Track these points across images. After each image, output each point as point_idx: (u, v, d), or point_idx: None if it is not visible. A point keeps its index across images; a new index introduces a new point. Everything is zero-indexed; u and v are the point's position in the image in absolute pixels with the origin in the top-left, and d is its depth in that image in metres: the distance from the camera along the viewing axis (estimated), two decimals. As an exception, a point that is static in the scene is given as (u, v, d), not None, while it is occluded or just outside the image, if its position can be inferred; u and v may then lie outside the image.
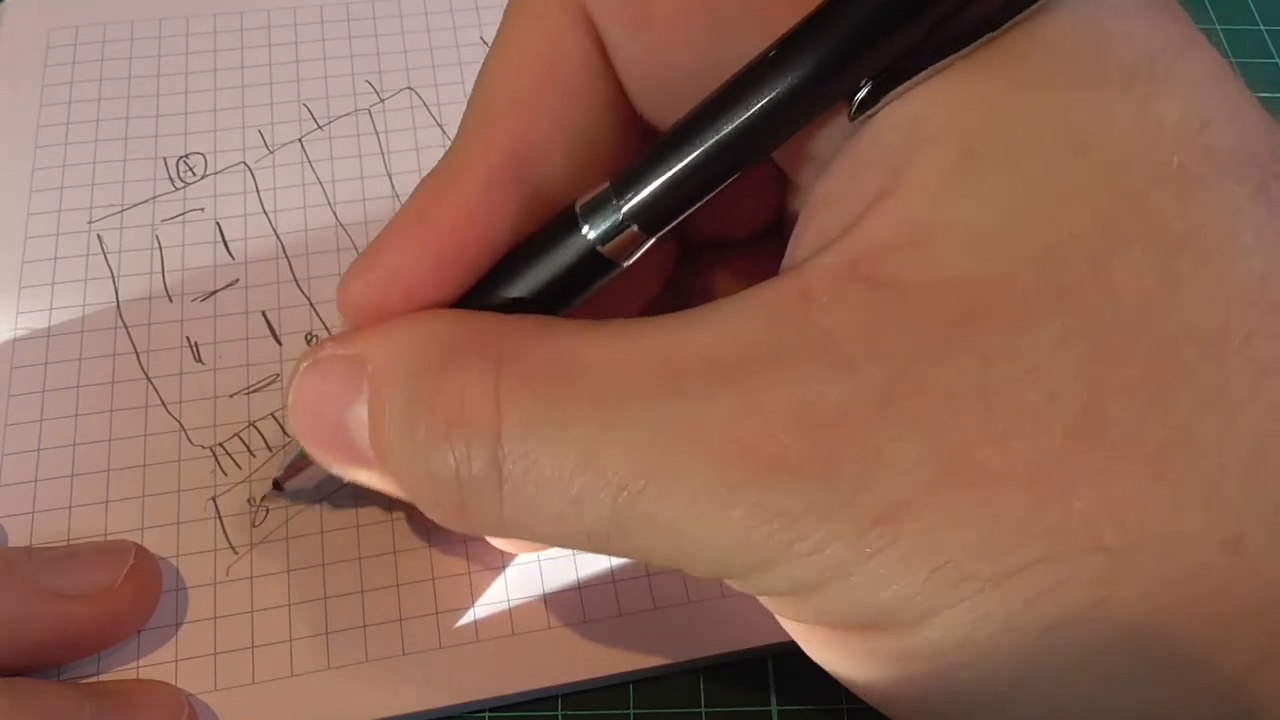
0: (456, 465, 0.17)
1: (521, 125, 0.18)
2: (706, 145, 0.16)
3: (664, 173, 0.17)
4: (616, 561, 0.26)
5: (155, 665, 0.24)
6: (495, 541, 0.25)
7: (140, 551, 0.24)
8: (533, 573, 0.26)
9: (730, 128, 0.16)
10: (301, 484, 0.25)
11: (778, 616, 0.18)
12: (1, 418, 0.27)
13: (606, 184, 0.17)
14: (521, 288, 0.18)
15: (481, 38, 0.35)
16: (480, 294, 0.19)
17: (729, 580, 0.17)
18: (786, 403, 0.15)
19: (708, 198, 0.17)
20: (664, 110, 0.18)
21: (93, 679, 0.24)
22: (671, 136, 0.17)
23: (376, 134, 0.33)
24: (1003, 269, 0.15)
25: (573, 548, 0.18)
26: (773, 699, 0.25)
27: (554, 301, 0.18)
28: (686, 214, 0.17)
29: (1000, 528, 0.14)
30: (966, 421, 0.14)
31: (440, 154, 0.32)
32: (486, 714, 0.24)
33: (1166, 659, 0.14)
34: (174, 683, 0.24)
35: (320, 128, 0.33)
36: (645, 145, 0.18)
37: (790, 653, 0.25)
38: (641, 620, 0.25)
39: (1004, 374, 0.14)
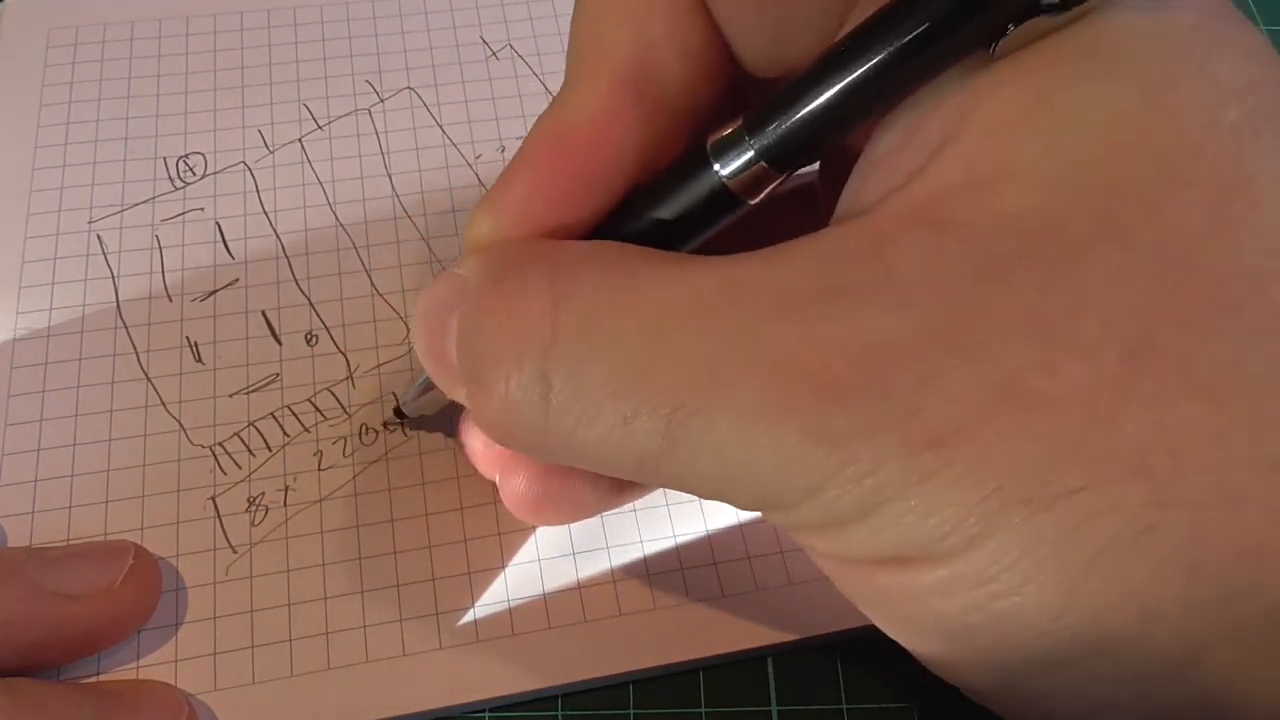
0: (506, 375, 0.17)
1: (636, 39, 0.18)
2: (849, 81, 0.16)
3: (799, 111, 0.17)
4: (616, 561, 0.26)
5: (155, 665, 0.24)
6: (515, 495, 0.24)
7: (140, 551, 0.24)
8: (533, 573, 0.26)
9: (869, 67, 0.16)
10: (424, 410, 0.25)
11: (816, 556, 0.18)
12: (1, 418, 0.27)
13: (739, 121, 0.17)
14: (647, 224, 0.18)
15: (481, 37, 0.35)
16: (605, 230, 0.19)
17: (771, 512, 0.17)
18: (845, 334, 0.15)
19: (844, 136, 0.17)
20: (752, 48, 0.19)
21: (93, 679, 0.24)
22: (812, 72, 0.17)
23: (376, 134, 0.33)
24: (1062, 208, 0.15)
25: (615, 473, 0.18)
26: (773, 699, 0.25)
27: (676, 239, 0.18)
28: (820, 152, 0.17)
29: (1052, 452, 0.14)
30: (1021, 350, 0.15)
31: (440, 154, 0.33)
32: (486, 714, 0.24)
33: (1214, 585, 0.14)
34: (174, 683, 0.24)
35: (320, 128, 0.33)
36: (735, 88, 0.19)
37: (790, 652, 0.25)
38: (641, 620, 0.25)
39: (1059, 305, 0.15)
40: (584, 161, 0.18)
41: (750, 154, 0.17)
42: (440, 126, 0.33)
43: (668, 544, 0.26)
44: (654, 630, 0.25)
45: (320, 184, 0.31)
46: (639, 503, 0.26)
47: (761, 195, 0.18)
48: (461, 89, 0.34)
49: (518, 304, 0.17)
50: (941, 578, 0.15)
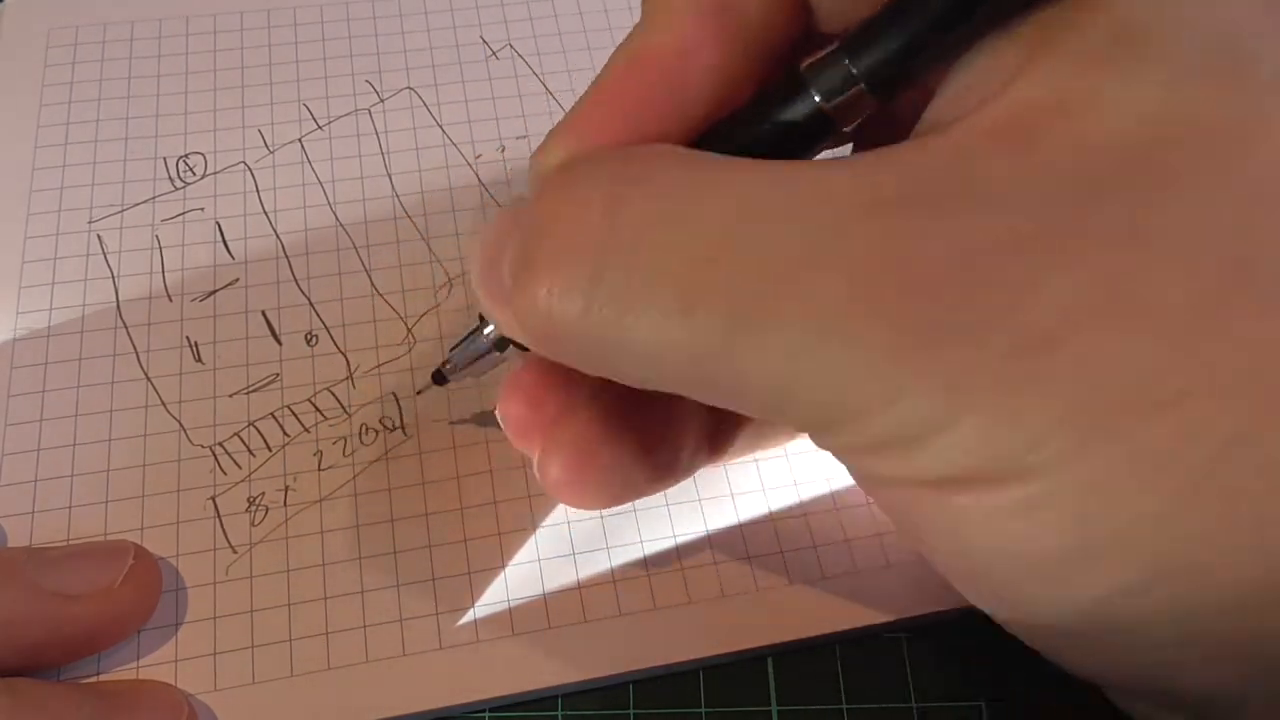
0: (553, 258, 0.16)
1: None
2: (945, 7, 0.16)
3: (902, 34, 0.16)
4: (616, 561, 0.26)
5: (155, 665, 0.24)
6: (557, 471, 0.22)
7: (140, 551, 0.24)
8: (533, 573, 0.26)
9: None
10: (472, 373, 0.24)
11: (874, 485, 0.17)
12: (1, 418, 0.27)
13: (836, 44, 0.17)
14: (735, 150, 0.18)
15: (481, 37, 0.35)
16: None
17: (832, 430, 0.16)
18: (933, 232, 0.15)
19: (949, 59, 0.17)
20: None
21: (93, 679, 0.24)
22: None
23: (376, 134, 0.33)
24: (1152, 135, 0.15)
25: (664, 377, 0.16)
26: (773, 699, 0.25)
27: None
28: (918, 79, 0.17)
29: (1153, 361, 0.14)
30: (1120, 258, 0.14)
31: (440, 154, 0.33)
32: (486, 714, 0.24)
33: None
34: (174, 683, 0.24)
35: (320, 128, 0.33)
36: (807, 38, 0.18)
37: (790, 652, 0.25)
38: (641, 620, 0.25)
39: (1157, 221, 0.14)
40: (664, 87, 0.17)
41: (848, 77, 0.17)
42: (440, 126, 0.33)
43: (668, 544, 0.26)
44: (654, 630, 0.25)
45: (320, 184, 0.31)
46: (639, 503, 0.26)
47: (858, 121, 0.17)
48: (461, 89, 0.34)
49: (572, 193, 0.16)
50: (1027, 495, 0.14)
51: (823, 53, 0.17)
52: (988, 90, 0.16)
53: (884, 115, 0.18)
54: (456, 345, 0.23)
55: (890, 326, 0.14)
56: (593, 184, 0.16)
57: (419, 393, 0.27)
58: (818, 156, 0.18)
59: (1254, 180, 0.15)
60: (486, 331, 0.23)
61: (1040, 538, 0.15)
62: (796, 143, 0.18)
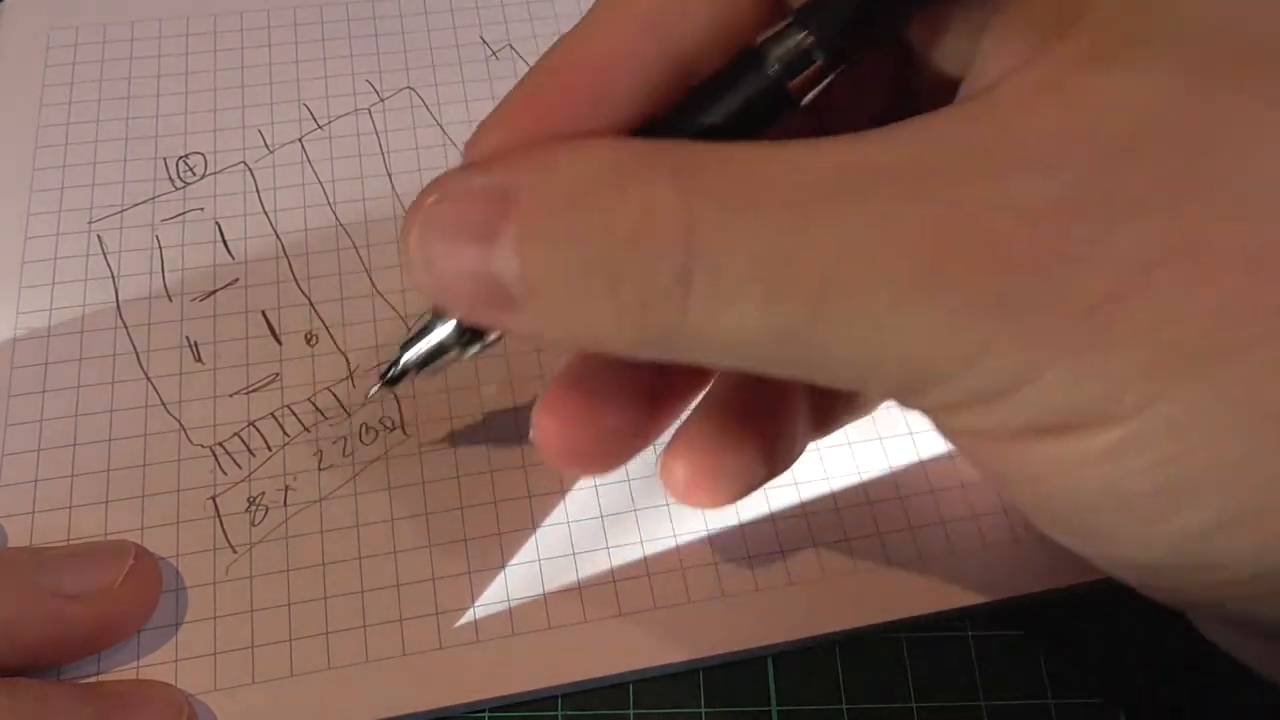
0: (644, 264, 0.16)
1: None
2: None
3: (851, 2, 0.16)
4: (616, 561, 0.26)
5: (155, 665, 0.24)
6: (684, 492, 0.22)
7: (140, 551, 0.24)
8: (533, 573, 0.26)
9: None
10: (426, 371, 0.21)
11: (960, 436, 0.17)
12: (1, 418, 0.27)
13: (790, 18, 0.17)
14: (695, 127, 0.18)
15: (481, 37, 0.35)
16: (648, 134, 0.18)
17: (917, 393, 0.16)
18: (994, 197, 0.15)
19: (899, 29, 0.17)
20: None
21: (93, 679, 0.24)
22: None
23: (376, 134, 0.33)
24: (1200, 85, 0.15)
25: (751, 360, 0.17)
26: (773, 699, 0.25)
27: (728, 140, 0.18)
28: (875, 46, 0.17)
29: (1227, 304, 0.14)
30: (1184, 206, 0.14)
31: (440, 154, 0.33)
32: (486, 714, 0.24)
33: None
34: (174, 683, 0.24)
35: (320, 127, 0.33)
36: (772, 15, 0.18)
37: (790, 653, 0.25)
38: (641, 620, 0.25)
39: (1216, 168, 0.14)
40: (598, 83, 0.18)
41: (804, 45, 0.17)
42: (440, 126, 0.33)
43: (668, 544, 0.26)
44: (654, 630, 0.25)
45: (320, 184, 0.31)
46: (639, 502, 0.26)
47: (815, 91, 0.17)
48: (461, 89, 0.34)
49: (647, 196, 0.16)
50: (1109, 441, 0.15)
51: (778, 26, 0.17)
52: (1028, 51, 0.16)
53: (903, 90, 0.19)
54: (409, 340, 0.21)
55: (965, 293, 0.15)
56: (660, 183, 0.16)
57: (368, 396, 0.26)
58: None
59: None
60: (441, 328, 0.21)
61: (1125, 481, 0.15)
62: (760, 116, 0.18)
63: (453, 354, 0.21)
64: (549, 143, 0.17)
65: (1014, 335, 0.15)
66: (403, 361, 0.21)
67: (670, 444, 0.21)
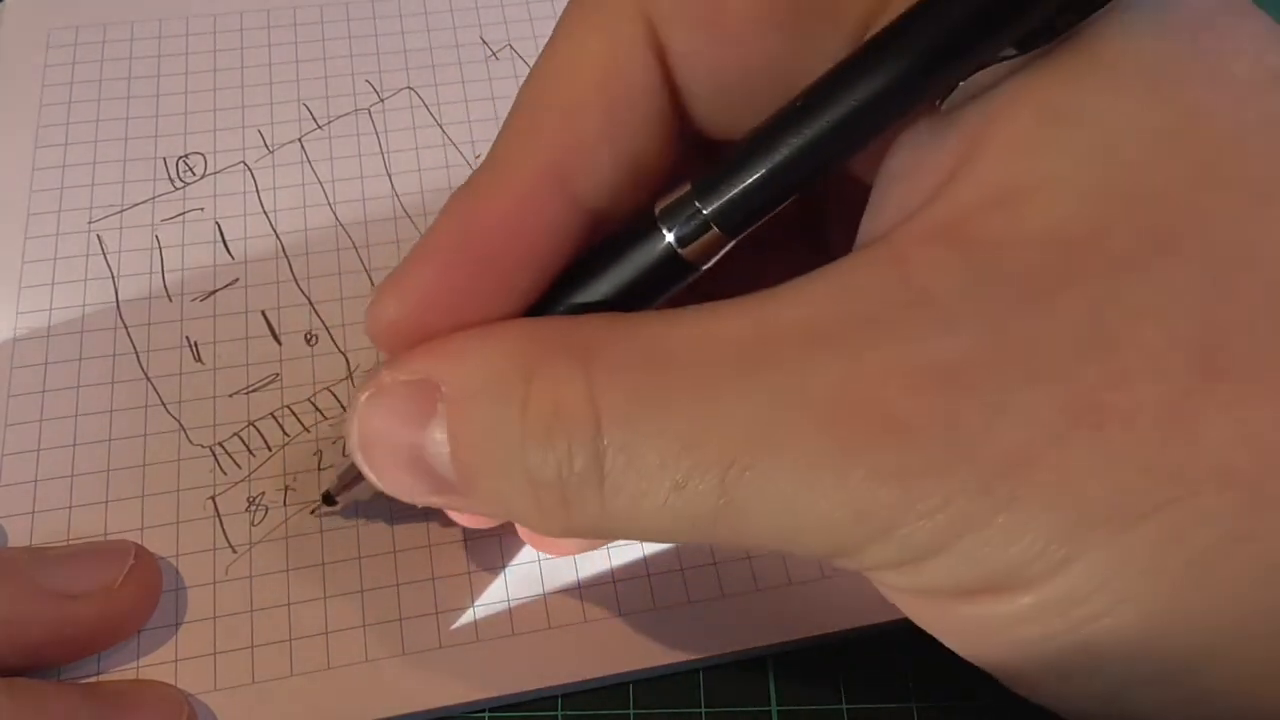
0: (559, 464, 0.16)
1: (570, 135, 0.18)
2: (795, 146, 0.16)
3: (750, 174, 0.16)
4: (616, 561, 0.26)
5: (155, 665, 0.24)
6: (536, 541, 0.24)
7: (140, 551, 0.24)
8: (533, 573, 0.26)
9: (820, 129, 0.16)
10: (357, 496, 0.25)
11: (890, 593, 0.18)
12: (1, 418, 0.27)
13: (686, 187, 0.17)
14: (595, 294, 0.18)
15: (481, 38, 0.35)
16: (552, 302, 0.18)
17: (840, 558, 0.16)
18: (894, 362, 0.15)
19: (791, 199, 0.17)
20: (724, 115, 0.18)
21: (93, 679, 0.24)
22: (757, 137, 0.16)
23: (376, 134, 0.33)
24: (1099, 219, 0.15)
25: (675, 540, 0.17)
26: (773, 699, 0.25)
27: (628, 307, 0.18)
28: (770, 215, 0.17)
29: (1133, 468, 0.14)
30: (1084, 366, 0.14)
31: (440, 154, 0.33)
32: (486, 714, 0.24)
33: None
34: (174, 683, 0.24)
35: (320, 128, 0.33)
36: (693, 157, 0.18)
37: (790, 653, 0.25)
38: (641, 620, 0.25)
39: (1116, 318, 0.14)
40: (496, 250, 0.17)
41: (700, 220, 0.17)
42: (440, 126, 0.33)
43: (668, 544, 0.26)
44: (653, 630, 0.25)
45: (320, 184, 0.31)
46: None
47: (714, 259, 0.17)
48: (461, 89, 0.34)
49: (556, 396, 0.16)
50: (1028, 605, 0.15)
51: (676, 193, 0.17)
52: (925, 191, 0.16)
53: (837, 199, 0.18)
54: (343, 475, 0.24)
55: (870, 470, 0.15)
56: (565, 376, 0.16)
57: (313, 513, 0.26)
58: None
59: (1209, 251, 0.14)
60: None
61: (1042, 643, 0.15)
62: (658, 284, 0.18)
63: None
64: (459, 334, 0.18)
65: (921, 507, 0.15)
66: (335, 490, 0.25)
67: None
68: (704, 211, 0.17)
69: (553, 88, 0.18)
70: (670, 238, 0.17)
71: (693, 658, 0.25)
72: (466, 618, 0.25)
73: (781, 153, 0.16)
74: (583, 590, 0.25)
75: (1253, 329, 0.14)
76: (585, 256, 0.18)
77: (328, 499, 0.25)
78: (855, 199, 0.18)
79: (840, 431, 0.15)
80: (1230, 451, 0.14)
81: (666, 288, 0.18)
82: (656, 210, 0.17)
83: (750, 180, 0.16)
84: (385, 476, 0.19)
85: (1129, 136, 0.15)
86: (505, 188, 0.18)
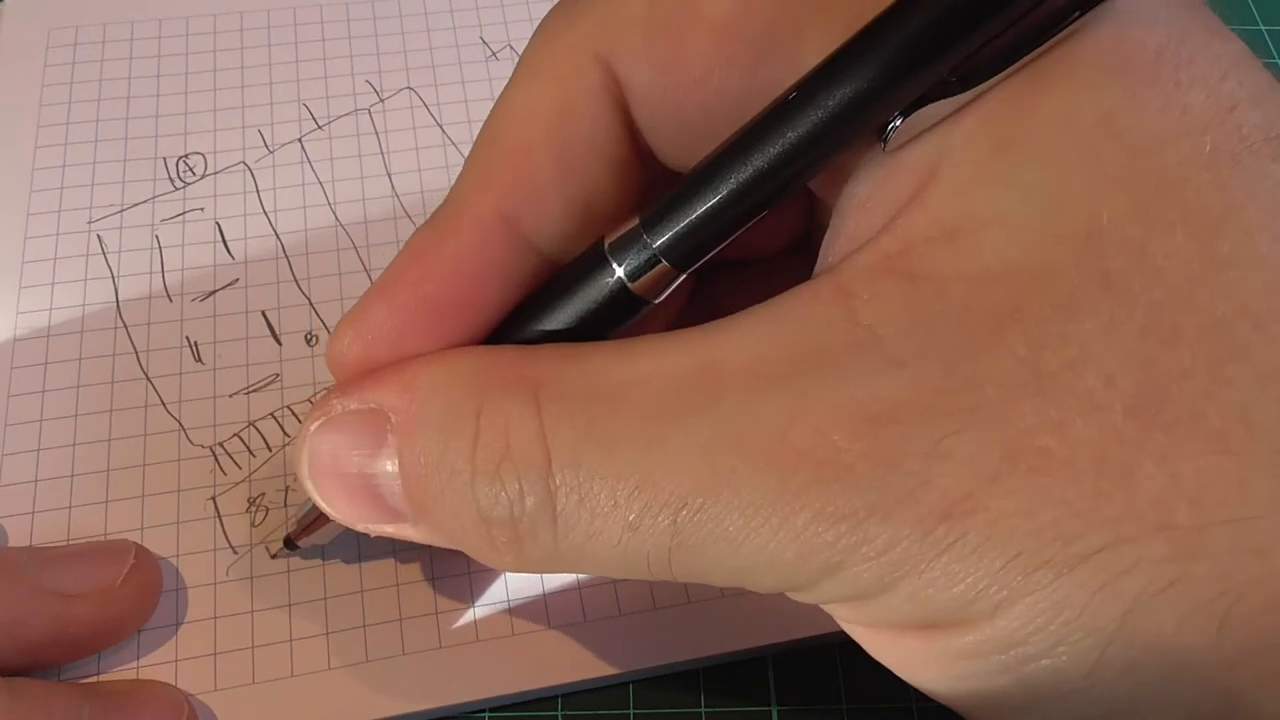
0: (510, 503, 0.16)
1: (520, 179, 0.18)
2: (741, 180, 0.16)
3: (696, 208, 0.16)
4: (616, 561, 0.26)
5: (155, 665, 0.24)
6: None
7: (140, 551, 0.24)
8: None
9: (765, 162, 0.16)
10: (317, 540, 0.24)
11: (841, 623, 0.18)
12: (1, 418, 0.27)
13: (635, 221, 0.17)
14: (549, 327, 0.18)
15: (481, 38, 0.35)
16: (506, 335, 0.18)
17: (793, 593, 0.17)
18: (837, 403, 0.15)
19: (740, 232, 0.17)
20: (682, 150, 0.18)
21: (93, 679, 0.24)
22: (703, 171, 0.16)
23: (376, 134, 0.33)
24: (1044, 258, 0.15)
25: (631, 576, 0.17)
26: (773, 699, 0.25)
27: (583, 339, 0.18)
28: (719, 249, 0.17)
29: (1069, 513, 0.14)
30: (1024, 410, 0.14)
31: (440, 154, 0.33)
32: (486, 714, 0.24)
33: (1246, 634, 0.14)
34: (174, 683, 0.24)
35: (320, 128, 0.33)
36: (654, 188, 0.18)
37: (790, 653, 0.25)
38: (641, 620, 0.25)
39: (1057, 361, 0.14)
40: (450, 289, 0.18)
41: (649, 254, 0.17)
42: (440, 126, 0.33)
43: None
44: (654, 630, 0.25)
45: (320, 184, 0.31)
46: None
47: (665, 294, 0.17)
48: (461, 89, 0.34)
49: (505, 432, 0.16)
50: (969, 643, 0.15)
51: (625, 228, 0.17)
52: (880, 216, 0.16)
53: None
54: (304, 517, 0.24)
55: (814, 512, 0.15)
56: (516, 412, 0.16)
57: (274, 557, 0.25)
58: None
59: (1152, 292, 0.14)
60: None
61: (986, 679, 0.16)
62: (609, 318, 0.18)
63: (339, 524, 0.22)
64: (410, 362, 0.18)
65: (866, 550, 0.15)
66: (300, 540, 0.24)
67: None
68: (653, 245, 0.17)
69: (504, 131, 0.18)
70: (620, 272, 0.17)
71: (693, 658, 0.25)
72: (466, 618, 0.25)
73: (725, 186, 0.16)
74: (582, 590, 0.25)
75: (1192, 375, 0.14)
76: (538, 291, 0.18)
77: (289, 543, 0.25)
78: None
79: (784, 474, 0.15)
80: (1164, 500, 0.14)
81: (620, 321, 0.18)
82: (605, 245, 0.17)
83: (696, 214, 0.16)
84: (336, 506, 0.19)
85: (1078, 173, 0.15)
86: (458, 230, 0.18)
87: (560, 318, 0.18)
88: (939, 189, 0.15)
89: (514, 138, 0.18)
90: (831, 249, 0.17)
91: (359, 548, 0.26)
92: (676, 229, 0.17)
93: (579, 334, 0.18)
